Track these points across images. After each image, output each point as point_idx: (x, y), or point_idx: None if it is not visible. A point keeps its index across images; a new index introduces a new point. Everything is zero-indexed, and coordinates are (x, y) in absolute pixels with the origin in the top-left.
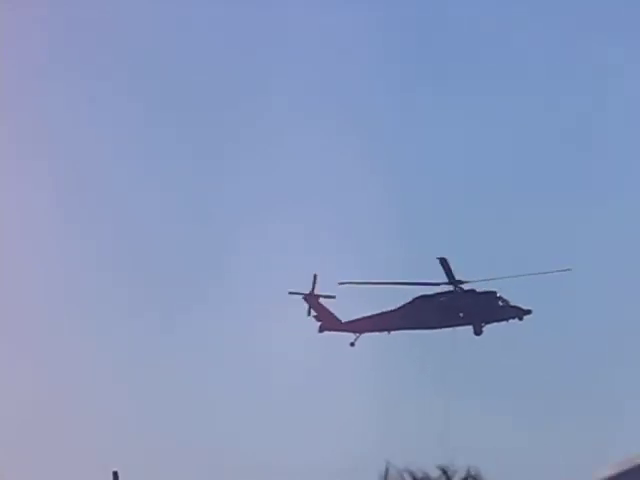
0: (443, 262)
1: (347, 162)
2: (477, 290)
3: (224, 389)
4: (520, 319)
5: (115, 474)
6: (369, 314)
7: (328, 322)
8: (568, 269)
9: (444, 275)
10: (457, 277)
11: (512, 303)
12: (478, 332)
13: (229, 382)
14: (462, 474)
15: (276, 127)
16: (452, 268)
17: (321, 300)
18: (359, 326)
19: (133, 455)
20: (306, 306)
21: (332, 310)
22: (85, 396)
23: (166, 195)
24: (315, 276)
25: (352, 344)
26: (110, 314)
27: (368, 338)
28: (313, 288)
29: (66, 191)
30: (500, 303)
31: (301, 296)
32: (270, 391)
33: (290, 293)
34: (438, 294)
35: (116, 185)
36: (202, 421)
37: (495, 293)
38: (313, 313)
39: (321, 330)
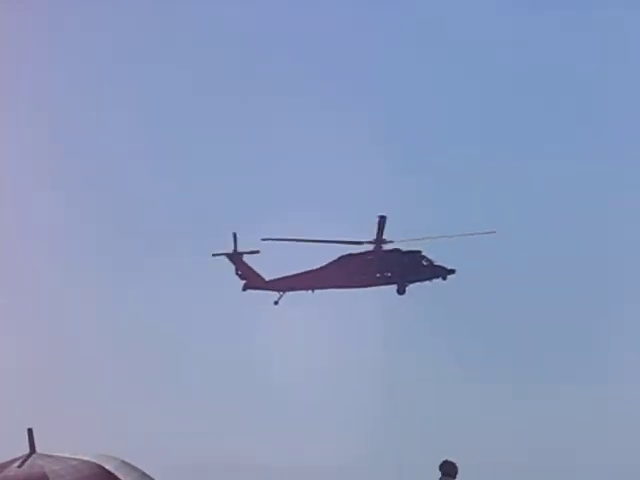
0: (382, 220)
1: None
2: (402, 249)
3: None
4: (444, 279)
5: (30, 431)
6: (294, 272)
7: (252, 280)
8: (493, 231)
9: (368, 234)
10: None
11: (436, 263)
12: (402, 291)
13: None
14: None
15: None
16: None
17: (246, 257)
18: (283, 284)
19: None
20: (231, 266)
21: (256, 268)
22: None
23: None
24: (234, 234)
25: (276, 302)
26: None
27: (292, 296)
28: (235, 246)
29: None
30: (425, 263)
31: (224, 256)
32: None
33: (214, 255)
34: (363, 253)
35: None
36: (119, 383)
37: (420, 252)
38: (239, 272)
39: (245, 288)
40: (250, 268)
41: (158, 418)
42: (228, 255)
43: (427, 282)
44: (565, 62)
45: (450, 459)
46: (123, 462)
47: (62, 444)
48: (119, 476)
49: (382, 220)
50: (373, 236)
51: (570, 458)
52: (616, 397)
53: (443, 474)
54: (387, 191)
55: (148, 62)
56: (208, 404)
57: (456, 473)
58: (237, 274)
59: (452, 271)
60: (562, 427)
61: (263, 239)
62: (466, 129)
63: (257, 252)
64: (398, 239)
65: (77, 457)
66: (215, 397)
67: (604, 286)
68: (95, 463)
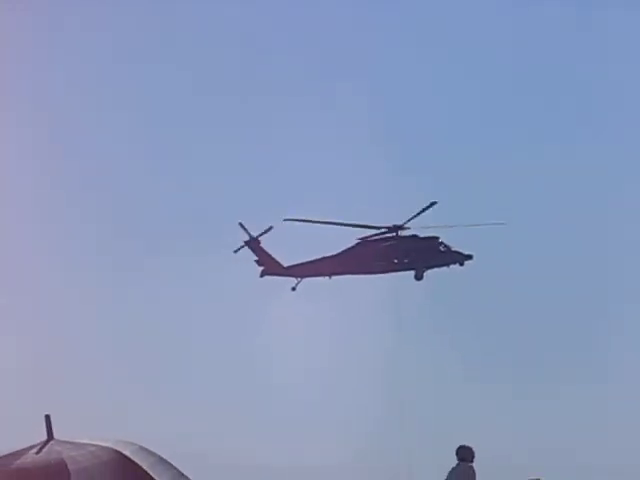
0: (431, 205)
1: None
2: (419, 235)
3: (167, 332)
4: (461, 264)
5: (47, 418)
6: (311, 259)
7: (270, 267)
8: (502, 223)
9: (383, 220)
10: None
11: (454, 248)
12: (419, 277)
13: (174, 326)
14: None
15: None
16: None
17: (262, 239)
18: (301, 271)
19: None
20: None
21: (274, 250)
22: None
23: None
24: (270, 227)
25: (293, 288)
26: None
27: (310, 283)
28: (260, 235)
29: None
30: (442, 248)
31: (244, 239)
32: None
33: (235, 251)
34: (380, 239)
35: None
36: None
37: (438, 238)
38: (254, 257)
39: (262, 275)
40: (268, 255)
41: (160, 415)
42: (246, 242)
43: (444, 268)
44: (567, 57)
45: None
46: (141, 447)
47: (79, 432)
48: (137, 461)
49: (431, 205)
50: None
51: (570, 458)
52: (619, 396)
53: (460, 459)
54: (394, 188)
55: (147, 62)
56: (214, 401)
57: (473, 457)
58: (255, 261)
59: (469, 257)
60: (568, 425)
61: (285, 219)
62: (470, 124)
63: (270, 228)
64: (415, 225)
65: (95, 443)
66: (225, 392)
67: (613, 283)
68: (113, 449)
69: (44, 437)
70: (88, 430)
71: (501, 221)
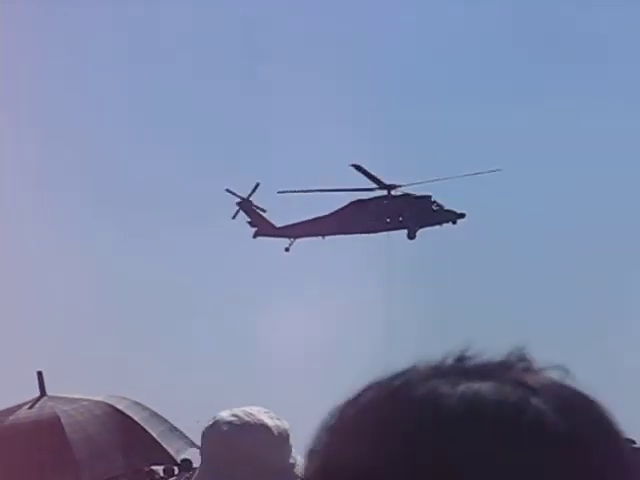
0: (358, 168)
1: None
2: (411, 194)
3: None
4: (454, 223)
5: (40, 374)
6: (304, 219)
7: (263, 228)
8: (498, 169)
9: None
10: (389, 182)
11: (446, 207)
12: (412, 236)
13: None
14: None
15: None
16: (372, 172)
17: (253, 198)
18: (294, 231)
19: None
20: (236, 210)
21: (267, 216)
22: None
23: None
24: (257, 184)
25: (287, 249)
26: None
27: (303, 243)
28: (250, 194)
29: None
30: (435, 207)
31: (236, 200)
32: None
33: (227, 190)
34: (372, 198)
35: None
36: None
37: (430, 197)
38: (246, 218)
39: (255, 235)
40: (261, 216)
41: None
42: (239, 204)
43: (437, 226)
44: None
45: None
46: (133, 402)
47: (71, 389)
48: (130, 414)
49: (358, 168)
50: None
51: None
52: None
53: None
54: (386, 136)
55: (147, 62)
56: (207, 366)
57: None
58: (235, 218)
59: (462, 215)
60: None
61: (279, 192)
62: (467, 71)
63: (264, 210)
64: (406, 183)
65: (87, 398)
66: (220, 355)
67: (617, 240)
68: (106, 402)
69: (36, 394)
70: (80, 387)
71: (496, 168)
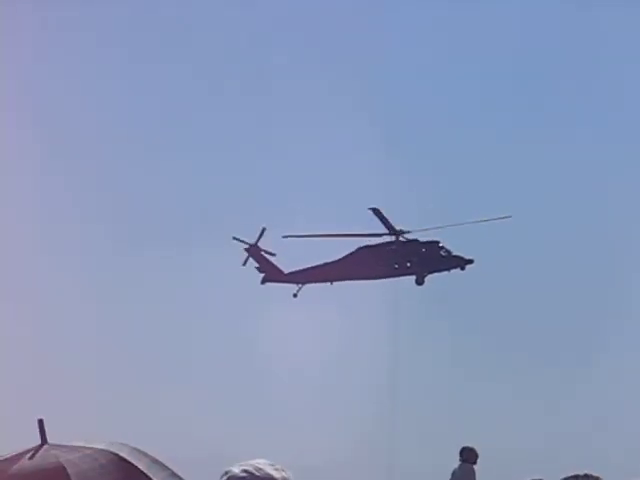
0: (376, 212)
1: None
2: (420, 240)
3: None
4: (462, 269)
5: (40, 422)
6: (312, 265)
7: (271, 273)
8: (508, 216)
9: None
10: (398, 227)
11: (454, 252)
12: (420, 282)
13: (169, 326)
14: None
15: None
16: (388, 218)
17: (260, 244)
18: (302, 277)
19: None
20: (245, 256)
21: (275, 261)
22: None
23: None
24: (263, 229)
25: (295, 295)
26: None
27: (311, 288)
28: (258, 240)
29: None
30: (443, 253)
31: (244, 247)
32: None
33: (234, 239)
34: (381, 244)
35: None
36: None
37: (438, 242)
38: (254, 264)
39: (264, 281)
40: (269, 261)
41: (158, 414)
42: (247, 251)
43: (445, 272)
44: (568, 49)
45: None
46: (134, 448)
47: (70, 436)
48: (133, 462)
49: (376, 212)
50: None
51: (572, 459)
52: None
53: (463, 460)
54: (397, 182)
55: (148, 62)
56: (212, 405)
57: (477, 458)
58: (245, 264)
59: (470, 261)
60: (572, 428)
61: (284, 236)
62: (475, 115)
63: (273, 254)
64: (415, 229)
65: (89, 446)
66: (223, 392)
67: (621, 283)
68: (109, 451)
69: (35, 442)
70: (78, 434)
71: (507, 214)
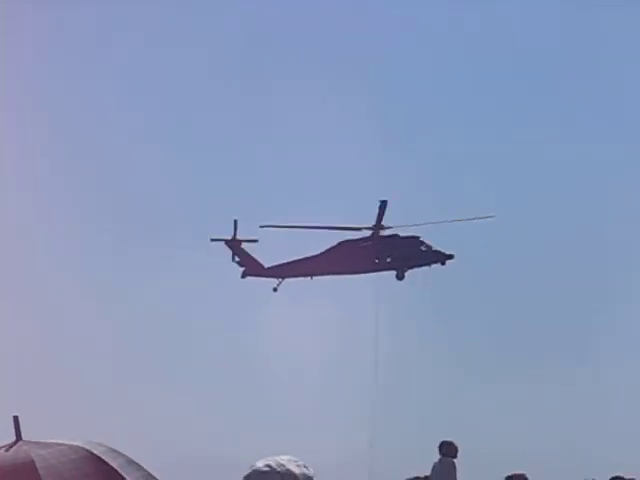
0: (383, 205)
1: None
2: (400, 235)
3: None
4: (443, 264)
5: (16, 419)
6: (293, 259)
7: (251, 268)
8: (491, 216)
9: (364, 221)
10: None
11: (435, 248)
12: (401, 277)
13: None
14: None
15: None
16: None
17: (244, 245)
18: (282, 271)
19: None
20: (229, 252)
21: (255, 255)
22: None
23: None
24: (235, 221)
25: (275, 289)
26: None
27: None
28: (235, 233)
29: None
30: (423, 248)
31: (223, 242)
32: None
33: (212, 240)
34: (361, 239)
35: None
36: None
37: (418, 238)
38: (236, 259)
39: (244, 276)
40: (249, 255)
41: (147, 414)
42: (227, 242)
43: (426, 267)
44: (567, 49)
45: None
46: (110, 448)
47: (49, 434)
48: (107, 460)
49: (383, 205)
50: (371, 222)
51: (560, 456)
52: (611, 393)
53: (443, 455)
54: (384, 176)
55: (148, 62)
56: (202, 399)
57: (456, 452)
58: (235, 261)
59: (451, 256)
60: (559, 424)
61: (261, 226)
62: (475, 115)
63: (255, 241)
64: (397, 224)
65: (64, 442)
66: (211, 391)
67: (608, 273)
68: (82, 447)
69: (11, 439)
70: (56, 433)
71: (490, 214)
